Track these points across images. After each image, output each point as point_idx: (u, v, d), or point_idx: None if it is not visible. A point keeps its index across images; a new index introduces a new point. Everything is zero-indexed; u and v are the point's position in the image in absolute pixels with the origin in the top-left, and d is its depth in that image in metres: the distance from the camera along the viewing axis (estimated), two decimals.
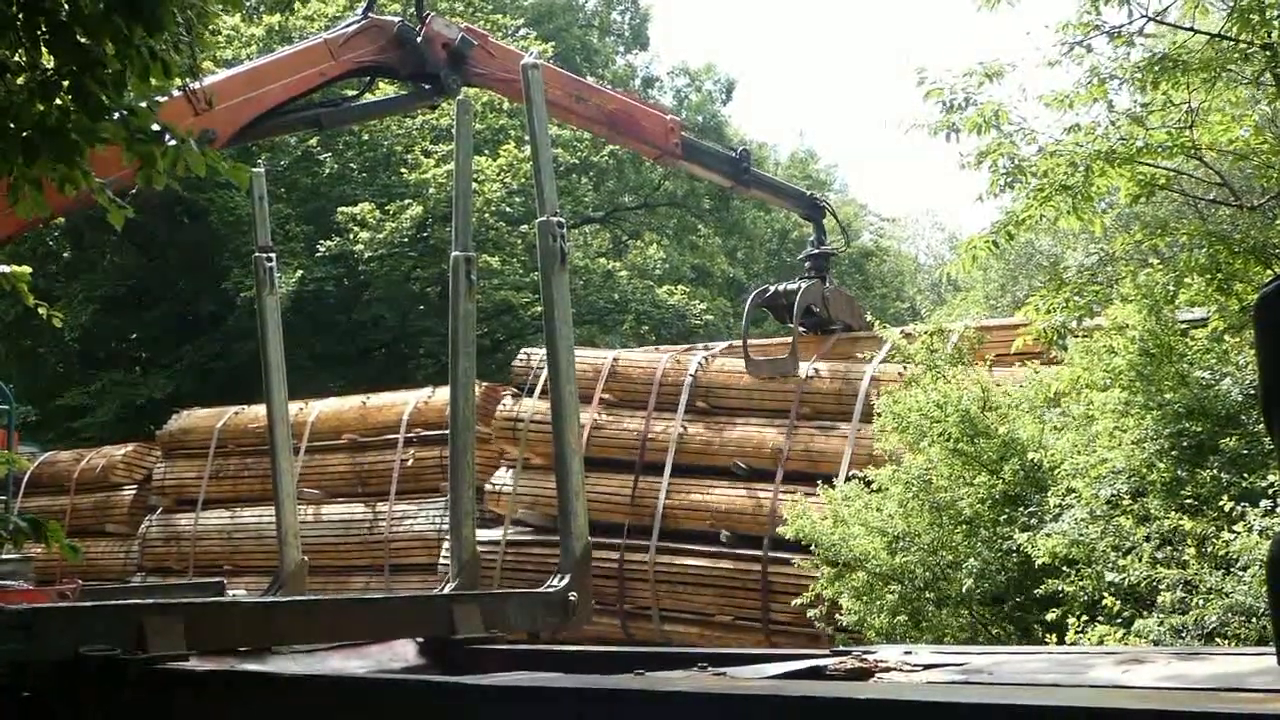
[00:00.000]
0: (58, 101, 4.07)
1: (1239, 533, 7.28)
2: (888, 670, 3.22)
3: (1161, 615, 7.42)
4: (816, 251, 15.48)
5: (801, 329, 14.23)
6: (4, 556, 11.93)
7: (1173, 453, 8.43)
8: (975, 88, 9.83)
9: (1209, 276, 9.10)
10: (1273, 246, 9.15)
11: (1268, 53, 8.96)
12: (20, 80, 4.10)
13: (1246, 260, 9.01)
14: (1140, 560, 7.75)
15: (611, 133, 15.17)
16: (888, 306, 38.93)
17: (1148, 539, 7.89)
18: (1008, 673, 3.03)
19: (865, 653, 3.50)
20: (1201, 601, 7.22)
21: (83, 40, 3.93)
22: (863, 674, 3.23)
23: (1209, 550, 7.52)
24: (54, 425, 27.34)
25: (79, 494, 21.66)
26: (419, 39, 12.78)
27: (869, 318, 14.34)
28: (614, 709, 2.71)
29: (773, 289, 15.12)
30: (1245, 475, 7.94)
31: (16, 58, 4.12)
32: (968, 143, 9.99)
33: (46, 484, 21.73)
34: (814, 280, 14.73)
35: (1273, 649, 2.54)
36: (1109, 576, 7.87)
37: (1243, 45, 9.01)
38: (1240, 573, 7.17)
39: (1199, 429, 8.44)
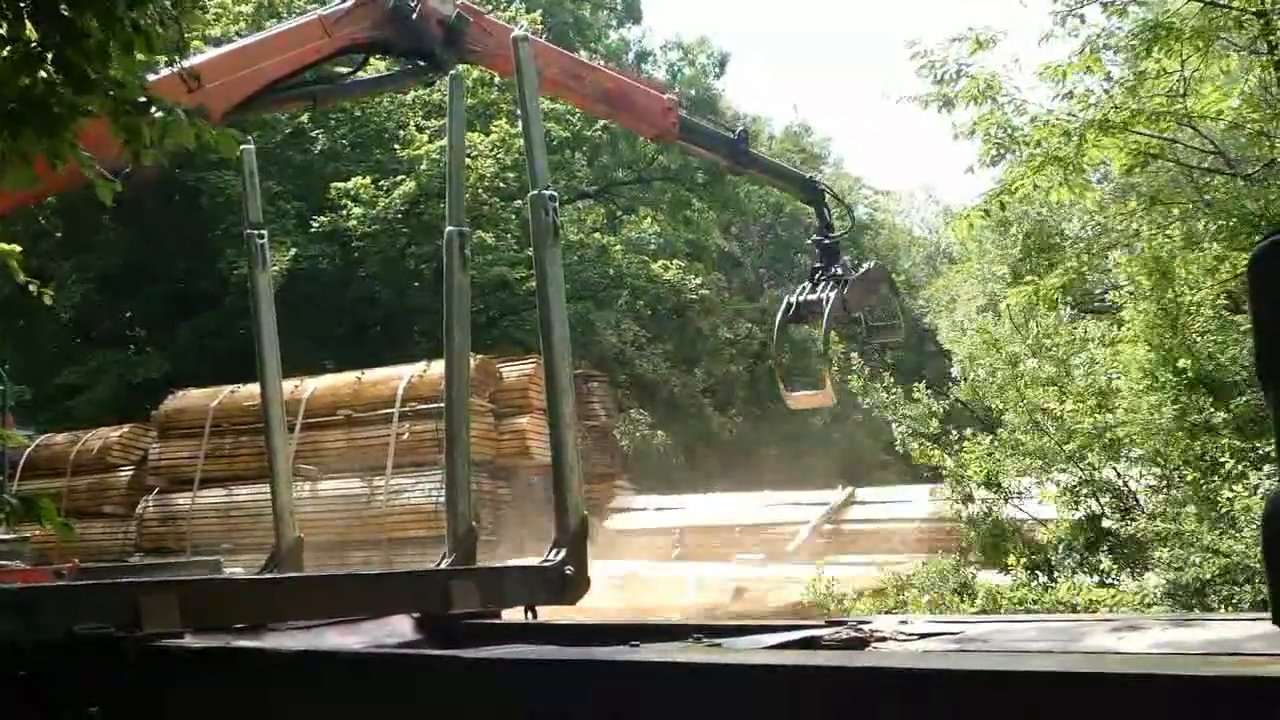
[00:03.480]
0: (42, 74, 4.03)
1: (1237, 492, 7.36)
2: (883, 640, 3.22)
3: (1158, 569, 7.54)
4: (826, 242, 15.26)
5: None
6: (1, 537, 11.94)
7: (1188, 420, 8.56)
8: (967, 56, 9.81)
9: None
10: (1269, 214, 9.16)
11: (1260, 20, 8.94)
12: (3, 52, 4.06)
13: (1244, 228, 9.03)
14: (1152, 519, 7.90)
15: (609, 112, 15.06)
16: (879, 269, 38.81)
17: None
18: (1002, 641, 3.03)
19: (861, 623, 3.50)
20: (1198, 560, 7.32)
21: (66, 12, 3.89)
22: (858, 644, 3.23)
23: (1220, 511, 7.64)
24: (49, 405, 27.32)
25: (76, 475, 21.68)
26: (414, 16, 12.67)
27: None
28: (609, 681, 2.71)
29: (795, 304, 14.83)
30: (1255, 442, 8.03)
31: None
32: (961, 114, 9.99)
33: (43, 466, 21.75)
34: (833, 286, 14.42)
35: (1269, 614, 2.53)
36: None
37: (1235, 12, 8.98)
38: (1236, 532, 7.28)
39: (1207, 399, 8.54)
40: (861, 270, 15.03)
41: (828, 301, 13.91)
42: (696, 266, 31.55)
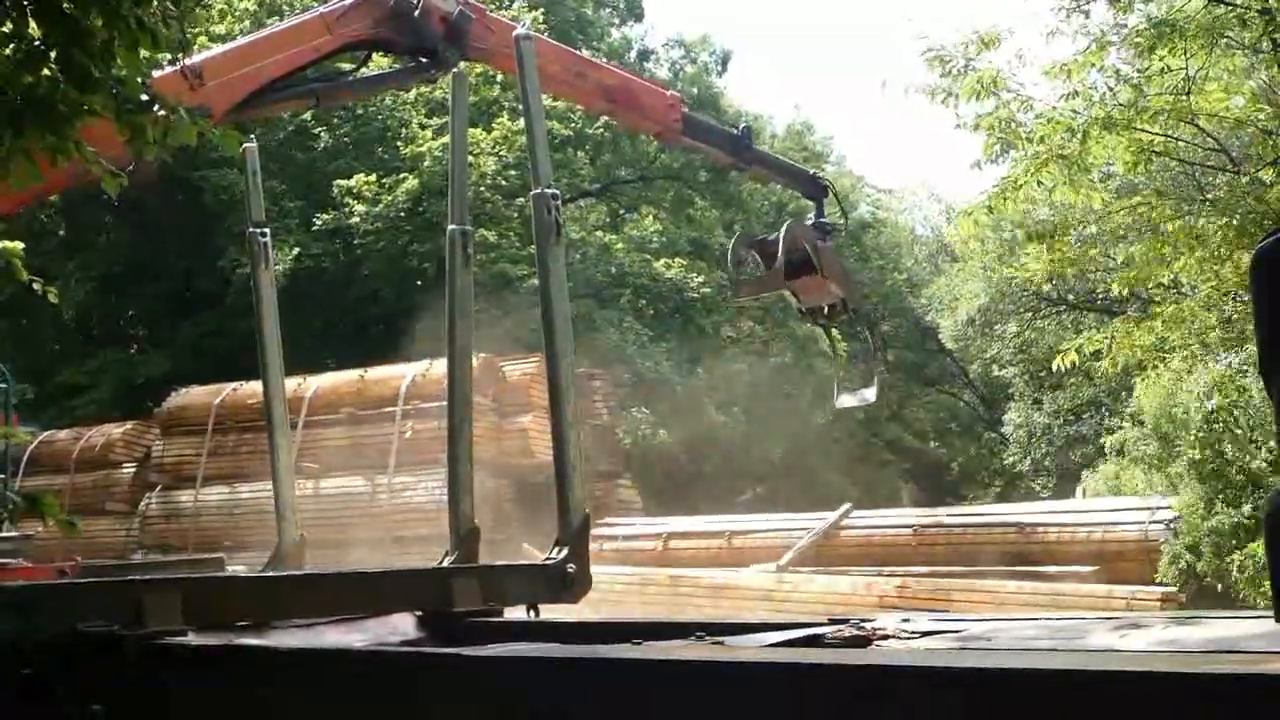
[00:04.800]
0: (45, 72, 4.04)
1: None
2: (886, 638, 3.22)
3: None
4: (814, 222, 15.20)
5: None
6: (3, 535, 11.94)
7: None
8: (973, 54, 9.82)
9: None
10: (1272, 214, 9.16)
11: (1265, 18, 8.93)
12: (7, 50, 4.07)
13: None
14: None
15: (611, 109, 14.98)
16: (885, 278, 38.86)
17: None
18: (1005, 639, 3.03)
19: (863, 621, 3.50)
20: None
21: (69, 10, 3.90)
22: (861, 642, 3.23)
23: None
24: (52, 404, 27.36)
25: (79, 473, 21.70)
26: (416, 12, 12.66)
27: None
28: (611, 679, 2.71)
29: (760, 237, 14.62)
30: None
31: (3, 28, 4.09)
32: (966, 108, 10.00)
33: (46, 463, 21.76)
34: (806, 224, 14.13)
35: (1271, 613, 2.53)
36: None
37: (1240, 9, 8.97)
38: None
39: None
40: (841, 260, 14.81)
41: (788, 223, 13.54)
42: (699, 265, 31.53)
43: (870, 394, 13.46)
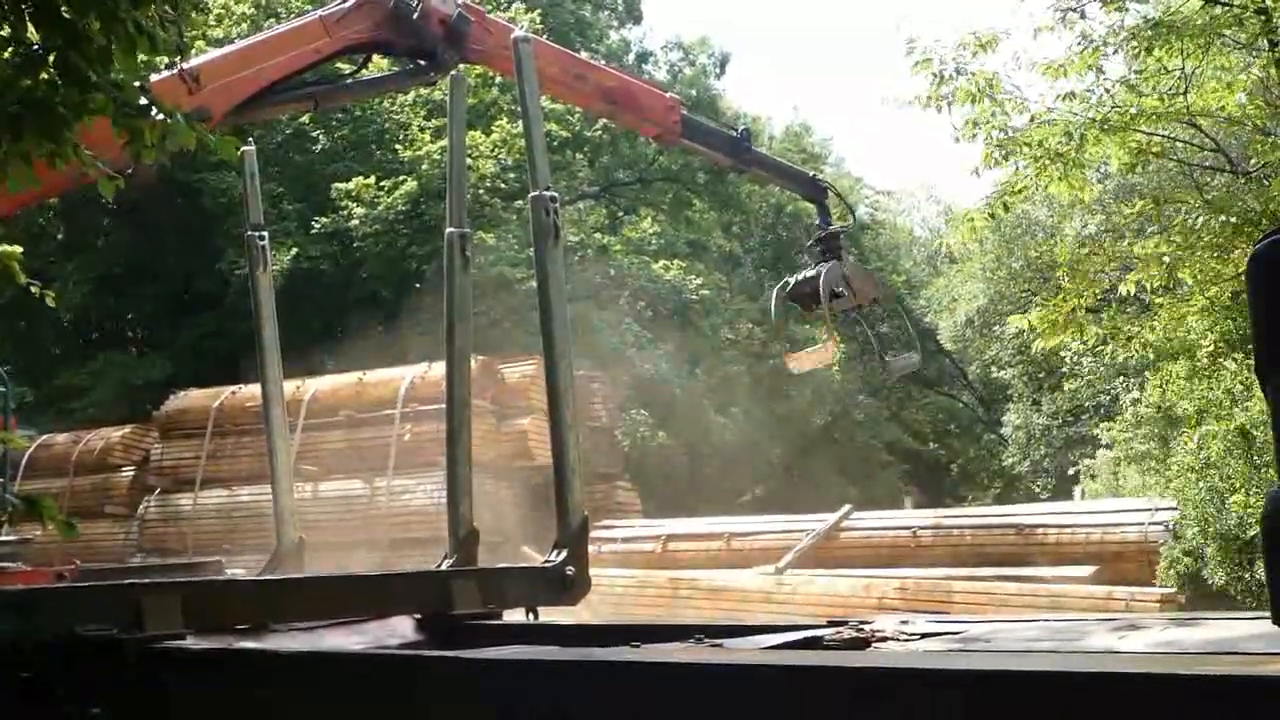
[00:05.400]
0: (44, 76, 4.05)
1: None
2: (884, 640, 3.22)
3: None
4: (825, 233, 15.20)
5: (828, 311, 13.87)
6: (2, 538, 11.94)
7: None
8: (969, 58, 9.83)
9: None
10: (1270, 213, 9.17)
11: (1261, 17, 8.94)
12: (5, 54, 4.07)
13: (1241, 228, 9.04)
14: None
15: (611, 111, 14.97)
16: (884, 279, 38.87)
17: None
18: (1004, 641, 3.03)
19: (862, 623, 3.50)
20: None
21: (67, 14, 3.90)
22: (860, 644, 3.23)
23: None
24: (51, 406, 27.36)
25: (78, 476, 21.68)
26: (415, 15, 12.65)
27: None
28: (611, 681, 2.72)
29: (793, 281, 14.74)
30: None
31: (1, 32, 4.09)
32: (959, 114, 10.01)
33: (45, 466, 21.73)
34: (831, 262, 14.33)
35: (1269, 614, 2.53)
36: None
37: (1236, 9, 8.98)
38: None
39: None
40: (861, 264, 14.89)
41: (822, 275, 13.75)
42: (697, 267, 31.53)
43: (915, 357, 13.74)
